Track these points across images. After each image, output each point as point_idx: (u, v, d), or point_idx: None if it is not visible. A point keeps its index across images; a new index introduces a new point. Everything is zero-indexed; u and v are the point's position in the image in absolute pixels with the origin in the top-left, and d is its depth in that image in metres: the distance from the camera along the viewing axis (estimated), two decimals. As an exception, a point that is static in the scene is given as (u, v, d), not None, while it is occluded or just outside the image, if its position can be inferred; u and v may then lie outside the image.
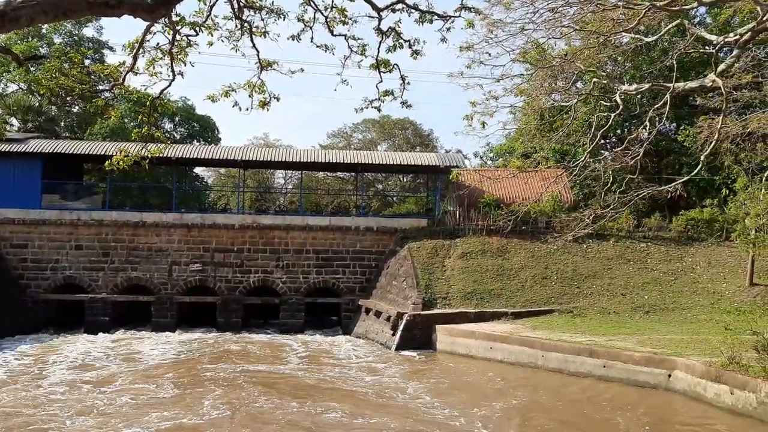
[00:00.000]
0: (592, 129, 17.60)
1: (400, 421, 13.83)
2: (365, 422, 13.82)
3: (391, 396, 16.13)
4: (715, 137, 14.21)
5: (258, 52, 10.33)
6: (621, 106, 15.83)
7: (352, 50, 10.29)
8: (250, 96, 10.66)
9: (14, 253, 26.61)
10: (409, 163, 30.62)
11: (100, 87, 13.21)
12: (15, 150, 26.61)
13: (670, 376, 16.19)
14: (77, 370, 18.80)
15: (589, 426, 14.21)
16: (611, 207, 18.05)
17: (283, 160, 30.87)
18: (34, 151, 27.14)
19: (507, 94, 17.00)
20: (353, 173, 40.19)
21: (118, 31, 66.12)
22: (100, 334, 24.98)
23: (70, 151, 27.98)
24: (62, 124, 41.25)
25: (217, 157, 30.34)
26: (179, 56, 10.00)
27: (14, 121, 39.22)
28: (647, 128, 15.84)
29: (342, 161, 30.85)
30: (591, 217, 18.67)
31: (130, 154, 10.39)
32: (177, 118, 43.57)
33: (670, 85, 14.40)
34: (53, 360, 20.07)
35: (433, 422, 13.79)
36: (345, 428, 13.45)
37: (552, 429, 13.91)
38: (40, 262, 26.76)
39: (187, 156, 29.29)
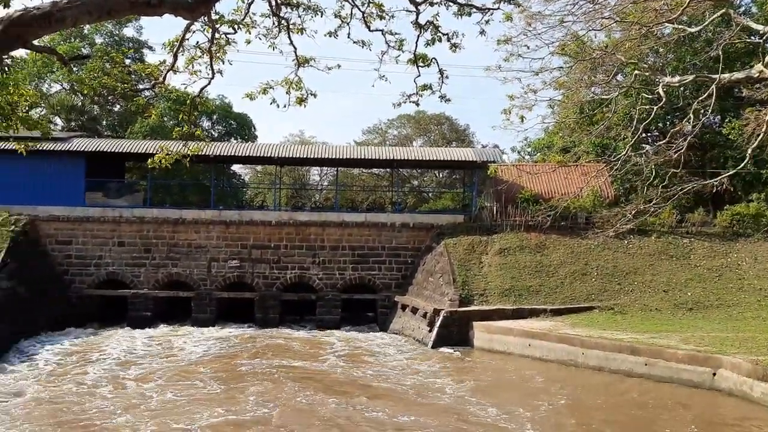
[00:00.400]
0: (634, 122, 17.28)
1: (443, 420, 13.76)
2: (407, 421, 13.73)
3: (432, 394, 16.04)
4: (763, 129, 13.84)
5: (295, 49, 10.34)
6: (664, 99, 15.51)
7: (389, 45, 10.23)
8: (287, 93, 10.69)
9: (59, 250, 27.23)
10: (445, 159, 30.48)
11: (141, 86, 13.38)
12: (59, 149, 27.21)
13: (714, 374, 15.83)
14: (122, 365, 19.09)
15: (636, 426, 13.94)
16: (653, 202, 17.70)
17: (319, 156, 30.99)
18: (78, 149, 27.73)
19: (546, 88, 16.80)
20: (389, 169, 40.22)
21: (158, 30, 67.17)
22: (143, 329, 25.43)
23: (113, 150, 28.52)
24: (104, 123, 42.10)
25: (254, 155, 30.61)
26: (218, 54, 10.07)
27: (58, 120, 40.14)
28: (691, 121, 15.48)
29: (377, 157, 30.85)
30: (632, 213, 18.35)
31: (171, 152, 10.52)
32: (215, 116, 44.13)
33: (716, 76, 14.05)
34: (98, 355, 20.44)
35: (479, 423, 13.65)
36: (389, 427, 13.36)
37: (600, 431, 13.64)
38: (84, 259, 27.33)
39: (225, 153, 29.62)
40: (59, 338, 23.22)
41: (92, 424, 13.25)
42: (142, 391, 15.87)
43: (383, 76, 10.64)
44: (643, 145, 24.98)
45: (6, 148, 25.51)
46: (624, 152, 17.14)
